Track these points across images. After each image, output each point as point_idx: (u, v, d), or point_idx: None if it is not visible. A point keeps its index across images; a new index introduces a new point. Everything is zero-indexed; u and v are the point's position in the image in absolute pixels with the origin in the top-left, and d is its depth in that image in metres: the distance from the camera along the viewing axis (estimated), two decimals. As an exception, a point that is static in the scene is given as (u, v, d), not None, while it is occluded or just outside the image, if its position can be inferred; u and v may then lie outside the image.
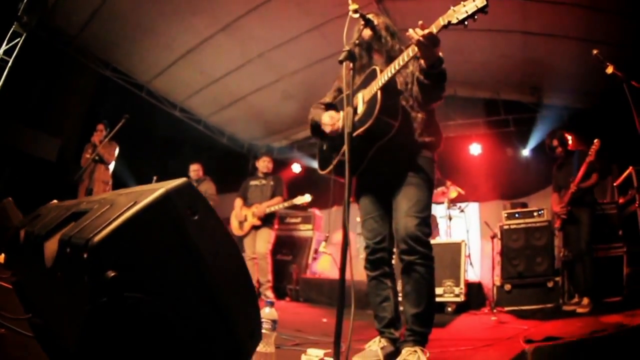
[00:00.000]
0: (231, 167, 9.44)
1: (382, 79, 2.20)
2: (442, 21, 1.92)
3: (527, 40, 6.04)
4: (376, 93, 2.21)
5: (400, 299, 2.39)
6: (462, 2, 1.87)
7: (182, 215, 1.15)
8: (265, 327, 1.90)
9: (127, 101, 7.20)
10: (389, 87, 2.23)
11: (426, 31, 1.93)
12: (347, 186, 1.87)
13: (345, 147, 1.93)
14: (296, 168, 9.33)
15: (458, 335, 3.40)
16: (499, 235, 5.32)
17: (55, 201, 2.51)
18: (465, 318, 4.58)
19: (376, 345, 2.34)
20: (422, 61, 2.09)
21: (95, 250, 1.00)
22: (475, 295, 5.13)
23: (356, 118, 2.27)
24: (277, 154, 9.44)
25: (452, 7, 1.90)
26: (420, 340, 2.21)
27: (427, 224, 2.28)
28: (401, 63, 2.12)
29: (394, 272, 2.49)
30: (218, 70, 7.48)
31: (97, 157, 5.15)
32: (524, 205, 5.99)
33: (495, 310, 4.54)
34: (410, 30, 1.96)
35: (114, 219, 1.07)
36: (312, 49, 6.88)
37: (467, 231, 6.05)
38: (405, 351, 2.16)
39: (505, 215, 5.45)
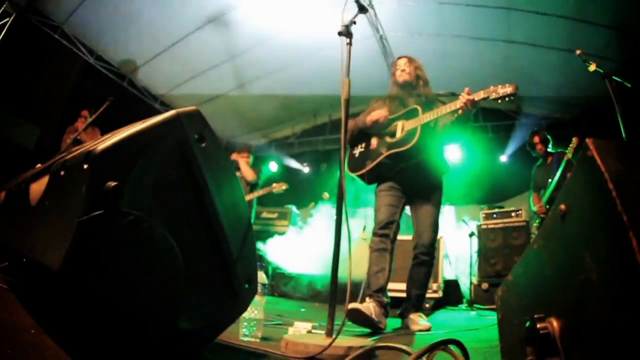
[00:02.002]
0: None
1: (423, 119, 2.85)
2: (483, 95, 2.63)
3: (510, 49, 6.18)
4: (416, 128, 2.87)
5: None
6: (499, 85, 2.58)
7: (191, 140, 1.11)
8: (255, 290, 1.85)
9: (109, 92, 7.00)
10: (426, 126, 2.87)
11: (472, 98, 2.63)
12: (342, 159, 1.95)
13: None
14: (273, 167, 9.29)
15: (443, 324, 3.40)
16: (476, 234, 5.37)
17: (39, 165, 2.41)
18: (445, 313, 4.59)
19: (367, 304, 2.70)
20: (459, 113, 2.71)
21: (97, 159, 0.94)
22: (452, 293, 5.16)
23: (393, 140, 3.01)
24: (254, 152, 9.39)
25: (491, 86, 2.62)
26: (421, 307, 3.04)
27: (438, 231, 3.10)
28: (443, 112, 2.77)
29: (394, 250, 2.97)
30: (201, 65, 7.39)
31: (78, 138, 5.00)
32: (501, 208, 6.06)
33: (473, 308, 4.57)
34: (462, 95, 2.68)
35: (119, 135, 1.02)
36: (297, 47, 6.90)
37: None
38: (415, 315, 2.89)
39: (484, 215, 5.50)
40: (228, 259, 1.26)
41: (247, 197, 5.56)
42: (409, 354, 0.92)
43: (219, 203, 1.18)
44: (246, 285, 1.39)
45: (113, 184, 0.94)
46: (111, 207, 0.94)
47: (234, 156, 5.97)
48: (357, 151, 3.26)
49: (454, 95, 2.95)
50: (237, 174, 5.87)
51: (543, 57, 5.97)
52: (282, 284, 6.05)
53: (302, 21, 6.32)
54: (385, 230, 2.95)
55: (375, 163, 3.05)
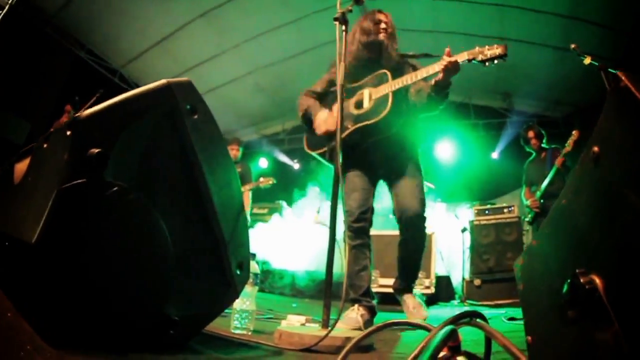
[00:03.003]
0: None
1: (395, 85, 2.45)
2: (467, 56, 2.23)
3: (503, 46, 6.17)
4: (387, 95, 2.46)
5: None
6: (487, 46, 2.20)
7: (182, 111, 1.04)
8: (246, 279, 1.79)
9: (99, 87, 6.86)
10: (398, 93, 2.48)
11: (453, 59, 2.20)
12: (337, 146, 1.85)
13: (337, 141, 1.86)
14: (263, 163, 9.23)
15: (440, 319, 3.35)
16: (468, 230, 5.34)
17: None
18: (438, 308, 4.55)
19: (355, 313, 2.43)
20: (437, 80, 2.32)
21: (81, 124, 0.88)
22: (444, 289, 5.12)
23: (360, 111, 2.56)
24: (243, 145, 9.33)
25: (477, 46, 2.22)
26: (415, 279, 2.77)
27: (426, 204, 2.64)
28: (419, 77, 2.37)
29: (371, 244, 2.65)
30: (192, 59, 7.33)
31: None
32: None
33: (466, 302, 4.54)
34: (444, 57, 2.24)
35: (107, 102, 0.95)
36: (287, 43, 6.86)
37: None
38: (408, 296, 2.66)
39: (476, 211, 5.46)
40: (219, 240, 1.19)
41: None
42: (428, 330, 0.86)
43: (210, 179, 1.11)
44: (238, 271, 1.32)
45: (96, 151, 0.87)
46: (94, 176, 0.87)
47: None
48: None
49: (427, 57, 2.61)
50: None
51: (536, 55, 5.97)
52: (271, 280, 5.93)
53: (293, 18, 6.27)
54: (360, 223, 2.58)
55: (332, 145, 2.60)
